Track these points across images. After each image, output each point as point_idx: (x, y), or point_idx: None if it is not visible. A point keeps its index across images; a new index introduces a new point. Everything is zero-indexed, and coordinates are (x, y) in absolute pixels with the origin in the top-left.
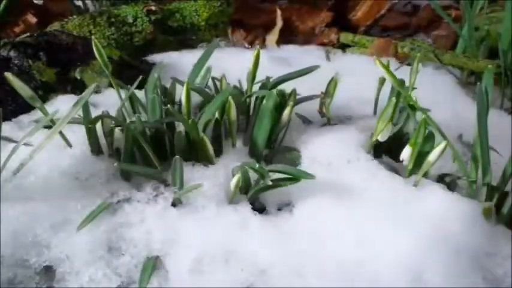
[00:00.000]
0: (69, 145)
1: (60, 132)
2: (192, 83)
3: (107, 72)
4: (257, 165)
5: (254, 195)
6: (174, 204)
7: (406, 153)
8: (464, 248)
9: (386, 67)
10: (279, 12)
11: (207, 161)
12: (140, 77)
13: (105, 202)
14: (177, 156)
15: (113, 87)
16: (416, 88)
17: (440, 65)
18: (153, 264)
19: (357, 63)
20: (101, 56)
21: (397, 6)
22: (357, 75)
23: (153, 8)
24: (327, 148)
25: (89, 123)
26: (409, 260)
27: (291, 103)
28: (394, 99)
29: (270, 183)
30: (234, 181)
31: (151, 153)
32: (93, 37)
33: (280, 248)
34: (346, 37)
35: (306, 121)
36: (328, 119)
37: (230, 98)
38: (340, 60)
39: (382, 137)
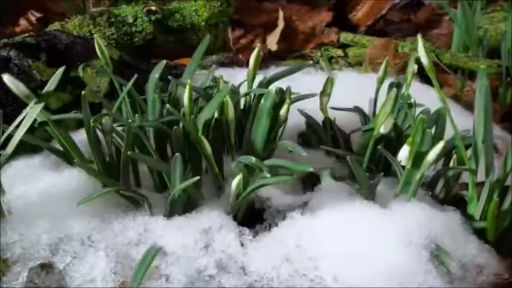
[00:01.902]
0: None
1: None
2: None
3: (108, 71)
4: (254, 159)
5: (251, 192)
6: (172, 211)
7: (403, 153)
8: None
9: (424, 42)
10: (281, 13)
11: (207, 162)
12: (136, 76)
13: (108, 189)
14: (177, 154)
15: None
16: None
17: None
18: (148, 263)
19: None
20: (103, 54)
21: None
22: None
23: (153, 8)
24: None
25: (91, 121)
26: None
27: (288, 101)
28: (395, 90)
29: (269, 175)
30: (235, 182)
31: (153, 150)
32: (95, 35)
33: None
34: (346, 37)
35: (308, 118)
36: (327, 118)
37: (228, 97)
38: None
39: (384, 129)
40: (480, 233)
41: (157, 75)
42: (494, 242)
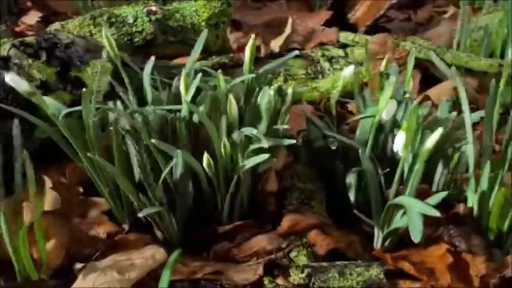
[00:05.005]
0: None
1: None
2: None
3: (118, 64)
4: (255, 131)
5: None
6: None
7: (399, 142)
8: None
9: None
10: (290, 20)
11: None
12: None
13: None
14: (178, 151)
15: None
16: None
17: None
18: None
19: None
20: (111, 47)
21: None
22: None
23: (154, 8)
24: None
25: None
26: None
27: (288, 98)
28: (392, 76)
29: (267, 146)
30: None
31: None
32: (103, 29)
33: None
34: (346, 37)
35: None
36: (331, 119)
37: (231, 96)
38: None
39: (386, 115)
40: (480, 228)
41: (149, 70)
42: (496, 237)
